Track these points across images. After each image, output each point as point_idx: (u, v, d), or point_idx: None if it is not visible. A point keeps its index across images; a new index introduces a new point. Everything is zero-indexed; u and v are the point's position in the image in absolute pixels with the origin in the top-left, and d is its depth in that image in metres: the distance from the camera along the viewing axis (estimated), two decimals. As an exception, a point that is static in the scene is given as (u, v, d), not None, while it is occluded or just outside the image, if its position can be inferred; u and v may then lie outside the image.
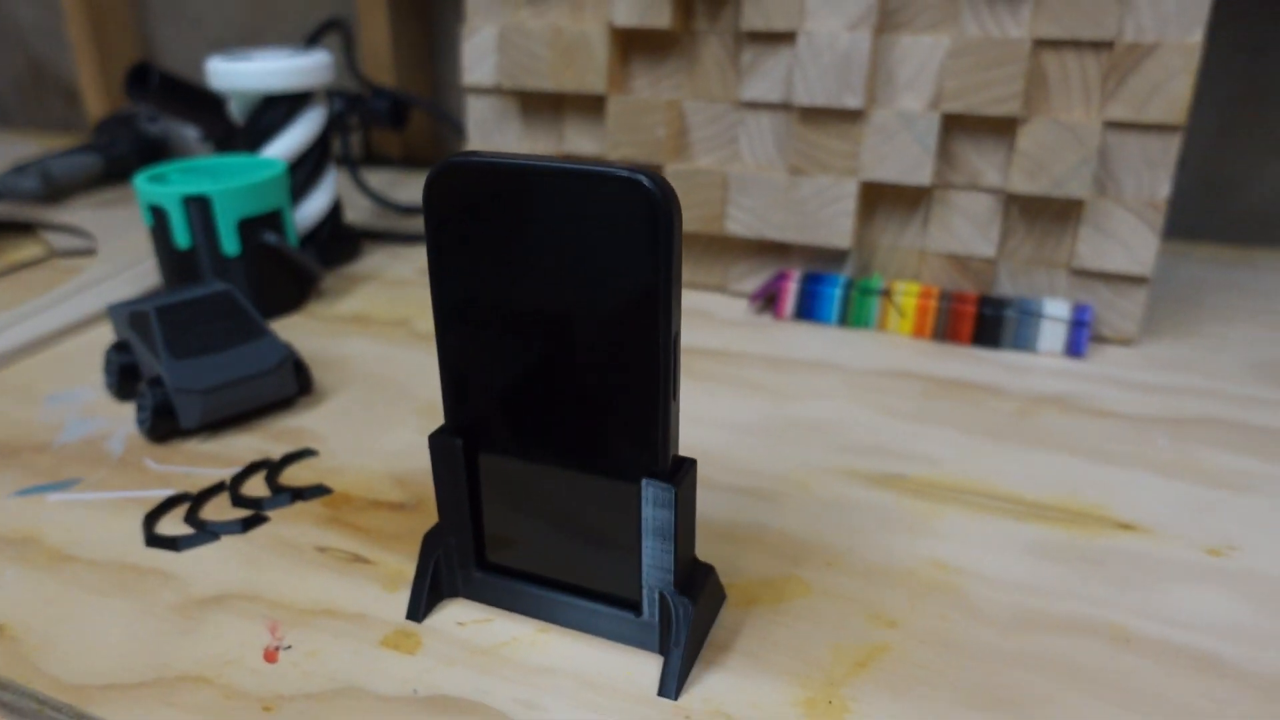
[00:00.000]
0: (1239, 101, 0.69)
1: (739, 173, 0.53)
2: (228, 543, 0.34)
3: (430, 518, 0.35)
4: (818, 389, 0.45)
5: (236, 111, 0.59)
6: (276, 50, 0.61)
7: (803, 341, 0.50)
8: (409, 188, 0.83)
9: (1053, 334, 0.48)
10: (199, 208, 0.50)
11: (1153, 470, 0.38)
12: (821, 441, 0.40)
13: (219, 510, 0.36)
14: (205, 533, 0.34)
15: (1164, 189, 0.46)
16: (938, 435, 0.41)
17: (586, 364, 0.25)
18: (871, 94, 0.49)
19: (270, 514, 0.35)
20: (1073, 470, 0.38)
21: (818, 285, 0.52)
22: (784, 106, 0.51)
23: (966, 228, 0.50)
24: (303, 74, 0.58)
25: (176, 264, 0.52)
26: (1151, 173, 0.46)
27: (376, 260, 0.65)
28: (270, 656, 0.28)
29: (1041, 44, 0.46)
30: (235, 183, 0.50)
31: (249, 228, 0.51)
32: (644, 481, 0.26)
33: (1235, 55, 0.68)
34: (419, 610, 0.30)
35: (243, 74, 0.56)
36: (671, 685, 0.27)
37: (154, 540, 0.34)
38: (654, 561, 0.27)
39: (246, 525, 0.35)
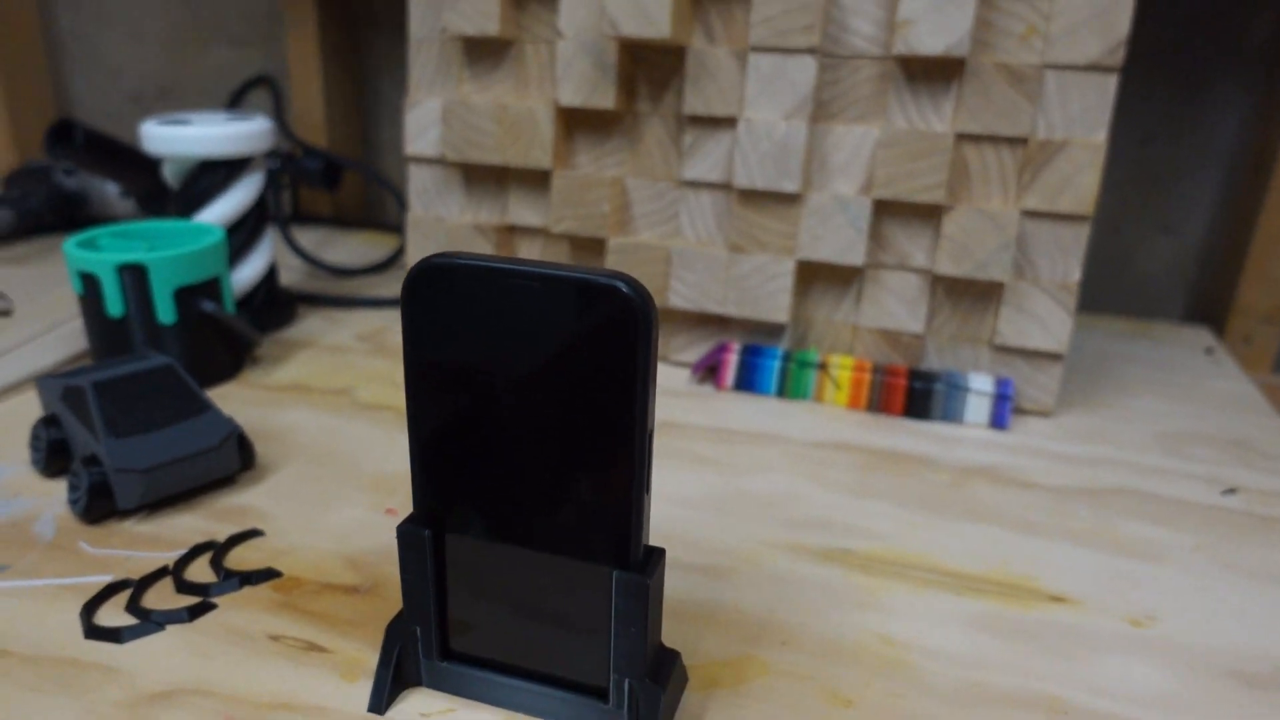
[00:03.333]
0: (1129, 184, 0.75)
1: (680, 248, 0.55)
2: (174, 632, 0.33)
3: (386, 601, 0.35)
4: (762, 461, 0.46)
5: (171, 175, 0.58)
6: (212, 114, 0.61)
7: (744, 413, 0.52)
8: (340, 248, 0.83)
9: (978, 407, 0.51)
10: (134, 276, 0.49)
11: (1075, 541, 0.41)
12: (769, 515, 0.42)
13: (162, 597, 0.35)
14: (150, 622, 0.33)
15: (1075, 272, 0.49)
16: (877, 508, 0.43)
17: (562, 458, 0.26)
18: (808, 179, 0.52)
19: (218, 600, 0.35)
20: (1003, 542, 0.40)
21: (757, 357, 0.54)
22: (724, 186, 0.54)
23: (897, 305, 0.53)
24: (242, 140, 0.57)
25: (107, 332, 0.50)
26: (1064, 258, 0.49)
27: (312, 325, 0.64)
28: (227, 757, 0.28)
29: (963, 138, 0.49)
30: (173, 251, 0.49)
31: (186, 296, 0.50)
32: (615, 573, 0.27)
33: (1126, 144, 0.74)
34: (381, 703, 0.30)
35: (180, 139, 0.56)
36: (641, 774, 0.27)
37: (94, 632, 0.32)
38: (623, 650, 0.27)
39: (193, 613, 0.34)
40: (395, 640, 0.30)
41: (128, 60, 1.02)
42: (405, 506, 0.41)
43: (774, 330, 0.56)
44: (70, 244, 0.50)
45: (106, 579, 0.36)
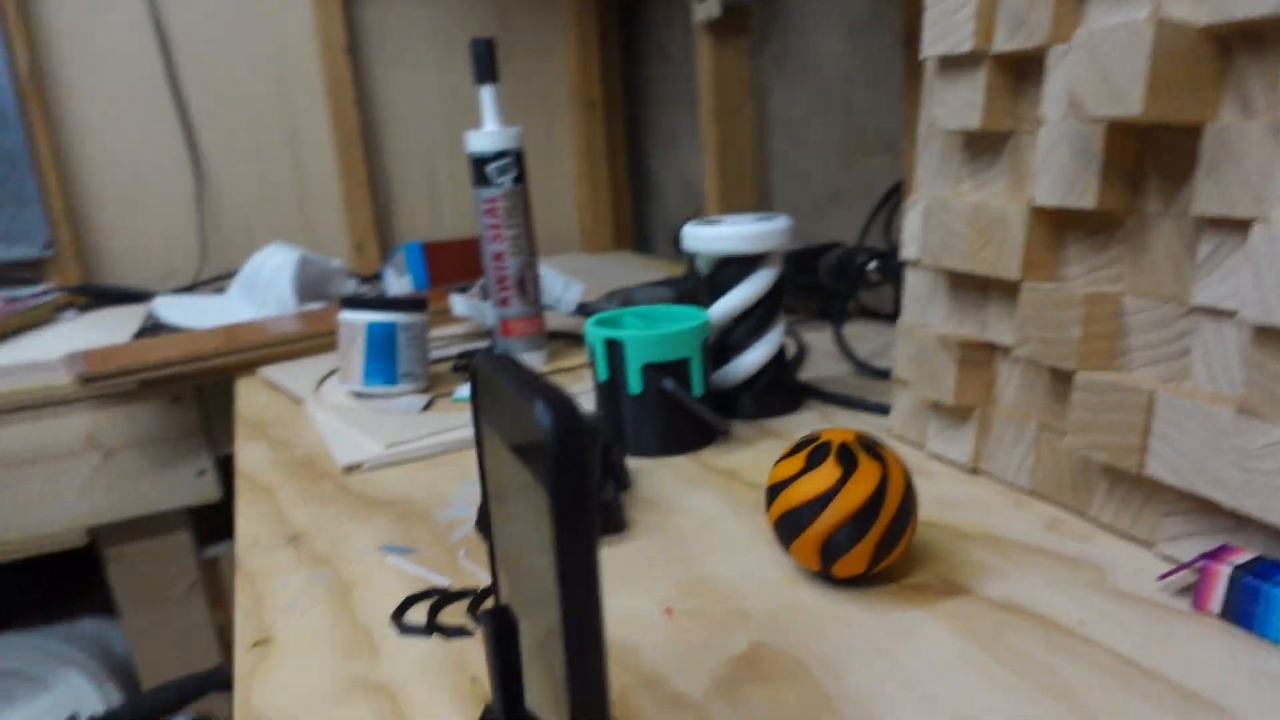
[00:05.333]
0: None
1: (1170, 397, 0.39)
2: (431, 643, 0.38)
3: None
4: (1148, 731, 0.30)
5: (701, 266, 0.66)
6: (741, 217, 0.66)
7: (1203, 657, 0.34)
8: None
9: None
10: (615, 350, 0.57)
11: None
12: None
13: (455, 613, 0.41)
14: (425, 629, 0.39)
15: None
16: None
17: (546, 595, 0.23)
18: (1380, 316, 0.32)
19: (477, 632, 0.39)
20: None
21: (1266, 581, 0.35)
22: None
23: None
24: (756, 239, 0.61)
25: (601, 394, 0.60)
26: None
27: (806, 418, 0.64)
28: (347, 758, 0.32)
29: None
30: (646, 332, 0.56)
31: (652, 372, 0.57)
32: (559, 745, 0.22)
33: None
34: (461, 778, 0.30)
35: (705, 238, 0.63)
36: None
37: (395, 619, 0.40)
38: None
39: (452, 634, 0.39)
40: (484, 731, 0.30)
41: (813, 169, 1.16)
42: (692, 611, 0.40)
43: (1314, 547, 0.35)
44: (592, 320, 0.61)
45: (443, 583, 0.43)
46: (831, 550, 0.39)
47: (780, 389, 0.66)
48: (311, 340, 0.89)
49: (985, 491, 0.50)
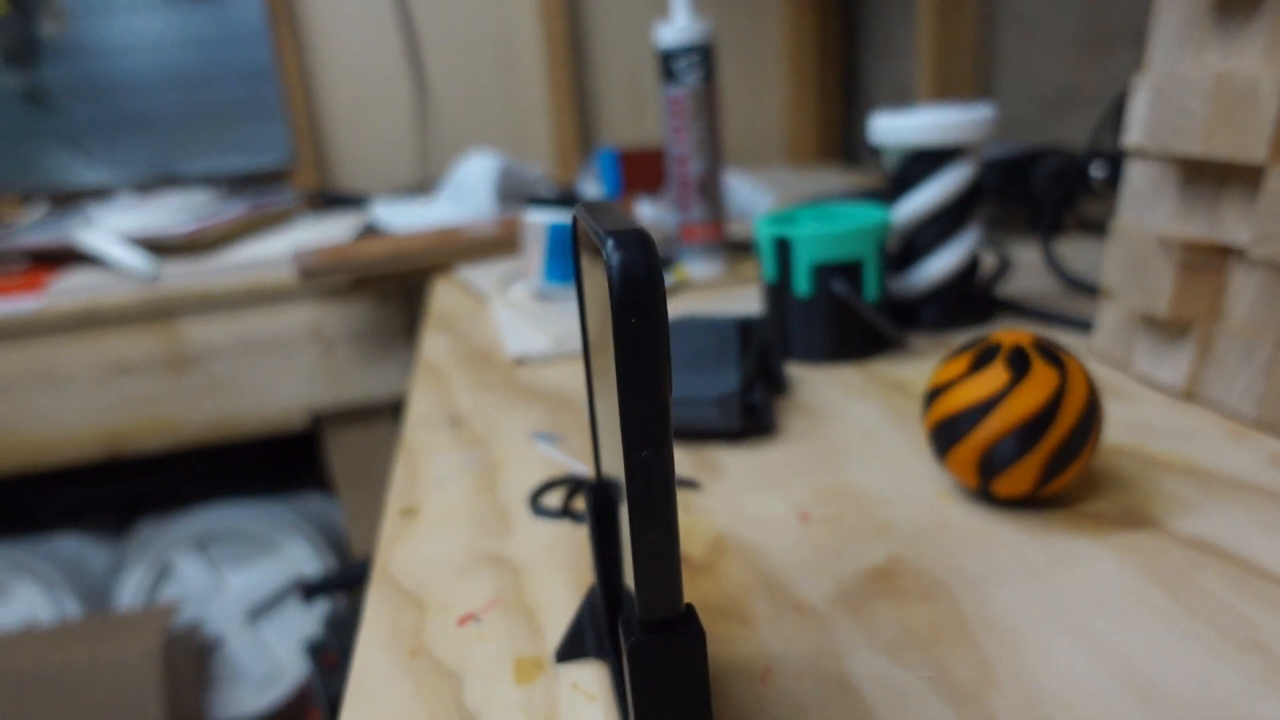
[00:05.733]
0: None
1: None
2: (561, 526, 0.39)
3: (724, 584, 0.34)
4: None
5: (888, 162, 0.60)
6: (948, 106, 0.60)
7: None
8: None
9: None
10: (784, 249, 0.54)
11: None
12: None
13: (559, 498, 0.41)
14: (559, 512, 0.40)
15: None
16: None
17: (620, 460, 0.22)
18: None
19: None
20: None
21: None
22: None
23: None
24: (952, 130, 0.55)
25: (768, 295, 0.57)
26: None
27: (992, 330, 0.58)
28: (462, 621, 0.33)
29: None
30: (815, 230, 0.53)
31: (823, 273, 0.53)
32: (620, 620, 0.21)
33: None
34: (561, 652, 0.30)
35: (894, 129, 0.57)
36: None
37: (533, 501, 0.41)
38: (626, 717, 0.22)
39: (579, 518, 0.39)
40: (586, 605, 0.30)
41: (1044, 66, 1.03)
42: (829, 518, 0.37)
43: None
44: (762, 219, 0.58)
45: (582, 471, 0.43)
46: (992, 464, 0.35)
47: (968, 301, 0.60)
48: (508, 245, 0.92)
49: (1198, 420, 0.43)
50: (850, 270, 0.54)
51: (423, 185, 1.49)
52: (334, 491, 1.16)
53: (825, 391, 0.51)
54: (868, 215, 0.57)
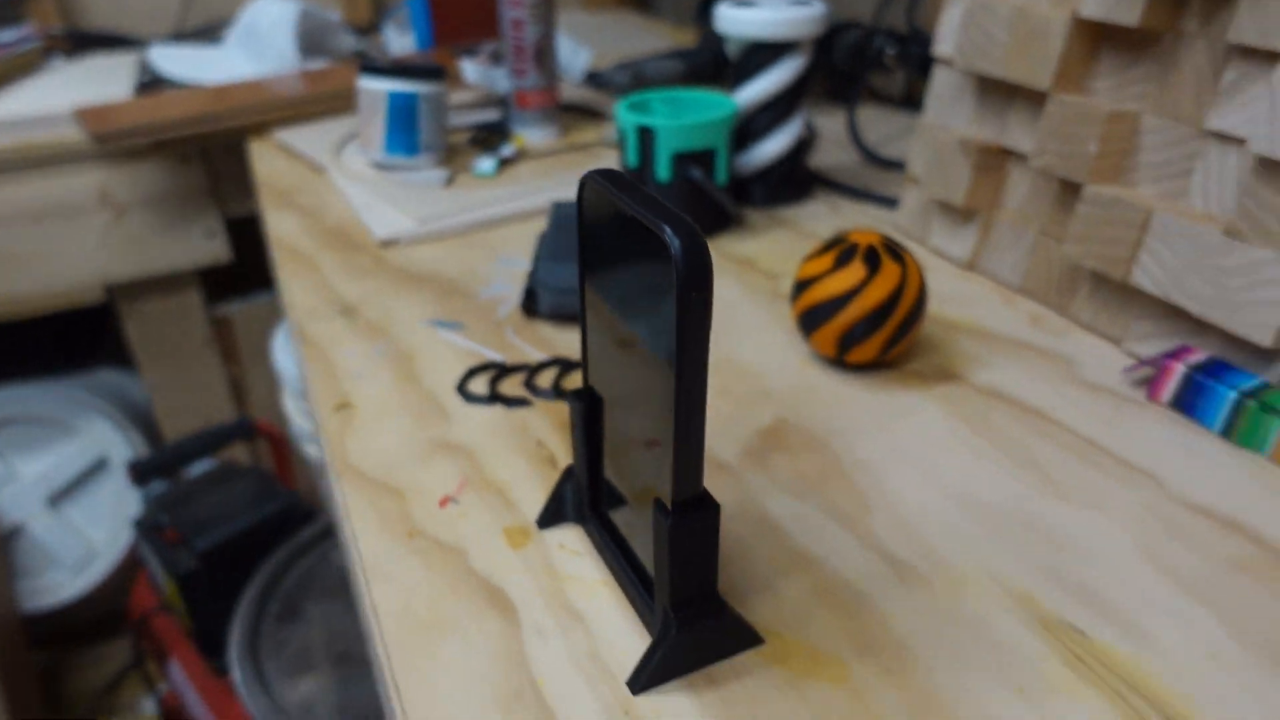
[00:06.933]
0: None
1: (1167, 216, 0.43)
2: (495, 410, 0.44)
3: (626, 455, 0.41)
4: (1099, 498, 0.38)
5: (731, 53, 0.66)
6: (778, 1, 0.65)
7: (1150, 437, 0.41)
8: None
9: None
10: (646, 137, 0.59)
11: None
12: (1034, 555, 0.35)
13: (513, 385, 0.46)
14: (489, 398, 0.45)
15: None
16: (1189, 614, 0.32)
17: (650, 379, 0.28)
18: (1369, 158, 0.35)
19: (536, 402, 0.45)
20: (1334, 752, 0.27)
21: (1212, 378, 0.41)
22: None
23: None
24: (787, 25, 0.61)
25: (630, 177, 0.62)
26: None
27: (815, 209, 0.68)
28: (443, 502, 0.38)
29: None
30: (678, 121, 0.58)
31: (682, 160, 0.59)
32: (655, 503, 0.28)
33: None
34: (544, 520, 0.37)
35: (736, 20, 0.62)
36: (637, 680, 0.29)
37: (460, 389, 0.46)
38: (659, 576, 0.29)
39: (513, 404, 0.44)
40: (564, 482, 0.36)
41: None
42: (720, 389, 0.46)
43: (1261, 354, 0.41)
44: (623, 103, 0.62)
45: (496, 358, 0.49)
46: (849, 341, 0.44)
47: (793, 178, 0.69)
48: (323, 103, 0.89)
49: (978, 288, 0.55)
50: (705, 157, 0.60)
51: (186, 26, 1.33)
52: (135, 368, 1.10)
53: (688, 269, 0.58)
54: (719, 105, 0.63)
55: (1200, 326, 0.44)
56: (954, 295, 0.54)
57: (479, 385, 0.46)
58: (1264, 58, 0.39)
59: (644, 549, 0.32)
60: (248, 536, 0.87)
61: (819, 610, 0.32)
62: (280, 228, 0.66)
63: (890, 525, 0.36)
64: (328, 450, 0.43)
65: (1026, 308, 0.53)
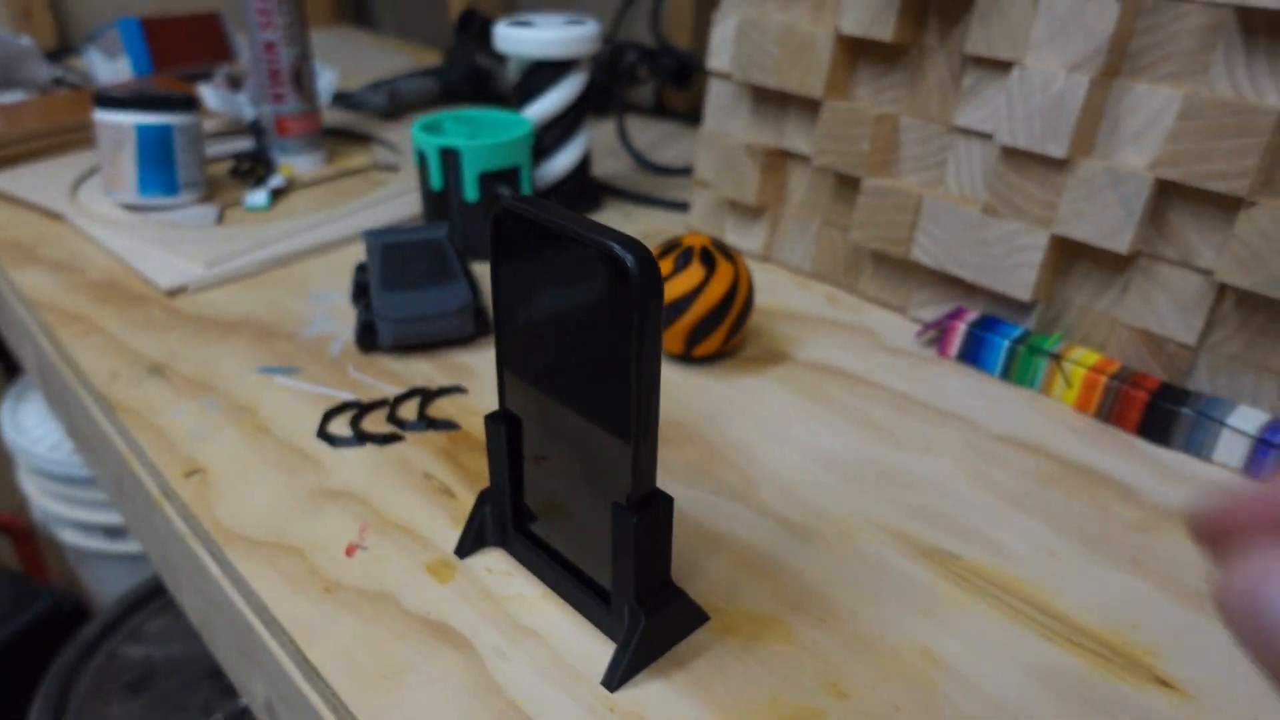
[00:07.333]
0: None
1: (933, 200, 0.51)
2: (368, 450, 0.43)
3: (518, 472, 0.42)
4: (929, 441, 0.44)
5: (512, 71, 0.68)
6: (554, 18, 0.68)
7: (949, 387, 0.49)
8: (679, 145, 0.88)
9: (1232, 445, 0.42)
10: (450, 158, 0.59)
11: (1250, 633, 0.34)
12: (898, 497, 0.41)
13: (375, 422, 0.45)
14: (356, 439, 0.43)
15: None
16: (1025, 526, 0.39)
17: (587, 397, 0.29)
18: (1082, 143, 0.45)
19: (407, 435, 0.44)
20: (1149, 605, 0.35)
21: (988, 332, 0.50)
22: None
23: (1169, 307, 0.45)
24: (569, 44, 0.64)
25: (432, 201, 0.62)
26: None
27: (610, 217, 0.71)
28: (350, 551, 0.37)
29: (1300, 118, 0.39)
30: (482, 140, 0.59)
31: (488, 179, 0.60)
32: (614, 505, 0.30)
33: None
34: (463, 549, 0.37)
35: (517, 40, 0.64)
36: (612, 678, 0.31)
37: (322, 434, 0.44)
38: (619, 573, 0.31)
39: (384, 441, 0.43)
40: (481, 505, 0.36)
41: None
42: (581, 397, 0.47)
43: (1022, 307, 0.51)
44: (416, 126, 0.62)
45: (349, 397, 0.47)
46: (695, 337, 0.48)
47: (584, 189, 0.72)
48: (33, 141, 0.78)
49: (776, 277, 0.61)
50: (510, 175, 0.61)
51: None
52: None
53: (511, 286, 0.59)
54: (514, 123, 0.64)
55: (970, 290, 0.53)
56: (759, 285, 0.60)
57: (340, 427, 0.45)
58: (993, 65, 0.48)
59: (585, 554, 0.33)
60: (6, 653, 0.75)
61: (744, 579, 0.36)
62: (33, 288, 0.58)
63: (776, 493, 0.41)
64: (187, 523, 0.39)
65: (821, 289, 0.60)
